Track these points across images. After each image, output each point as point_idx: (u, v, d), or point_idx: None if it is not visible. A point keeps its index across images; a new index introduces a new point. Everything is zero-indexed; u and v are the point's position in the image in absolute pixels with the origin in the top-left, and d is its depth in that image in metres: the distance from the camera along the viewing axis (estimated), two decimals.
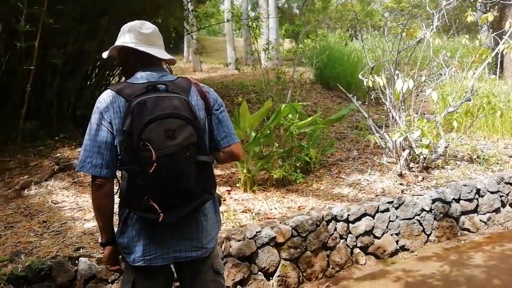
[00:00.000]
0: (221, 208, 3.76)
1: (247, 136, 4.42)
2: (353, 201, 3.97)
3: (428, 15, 5.32)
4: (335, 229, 3.48)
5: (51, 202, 3.77)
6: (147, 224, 1.58)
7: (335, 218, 3.49)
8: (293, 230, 3.24)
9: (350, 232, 3.56)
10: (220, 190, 4.30)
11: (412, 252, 3.75)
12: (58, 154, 4.89)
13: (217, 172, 4.87)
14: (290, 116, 4.45)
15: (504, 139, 6.16)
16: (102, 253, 2.83)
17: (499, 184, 4.31)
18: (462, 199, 4.10)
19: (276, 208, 3.85)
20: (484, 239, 3.95)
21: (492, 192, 4.25)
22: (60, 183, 4.16)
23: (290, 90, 5.68)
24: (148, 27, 1.72)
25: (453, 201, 4.04)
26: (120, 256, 1.75)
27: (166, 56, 1.72)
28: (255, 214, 3.68)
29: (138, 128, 1.46)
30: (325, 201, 3.99)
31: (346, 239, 3.53)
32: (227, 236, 3.03)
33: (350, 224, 3.56)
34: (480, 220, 4.19)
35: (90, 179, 1.62)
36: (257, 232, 3.07)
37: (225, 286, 1.88)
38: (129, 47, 1.67)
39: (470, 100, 4.95)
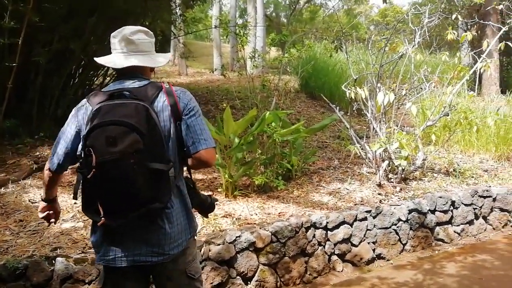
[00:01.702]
0: None
1: (230, 142, 4.45)
2: (332, 209, 4.04)
3: (411, 31, 5.48)
4: (314, 236, 3.53)
5: (28, 201, 3.72)
6: (104, 229, 1.63)
7: (314, 225, 3.54)
8: (272, 236, 3.28)
9: (328, 240, 3.61)
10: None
11: (388, 260, 3.83)
12: (37, 153, 4.83)
13: (198, 176, 4.88)
14: (273, 124, 4.50)
15: (480, 153, 6.34)
16: (79, 253, 2.83)
17: (473, 197, 4.45)
18: (438, 210, 4.21)
19: (256, 214, 3.88)
20: (457, 250, 4.06)
21: (466, 205, 4.37)
22: (38, 182, 4.11)
23: (274, 98, 5.75)
24: (124, 33, 1.75)
25: (429, 212, 4.14)
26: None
27: (127, 64, 1.71)
28: (236, 219, 3.71)
29: (86, 134, 1.54)
30: (305, 208, 4.05)
31: (324, 246, 3.59)
32: (207, 240, 3.05)
33: (328, 232, 3.62)
34: (454, 231, 4.30)
35: (50, 173, 1.79)
36: (236, 237, 3.10)
37: None
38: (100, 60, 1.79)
39: (448, 115, 5.10)
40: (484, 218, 4.53)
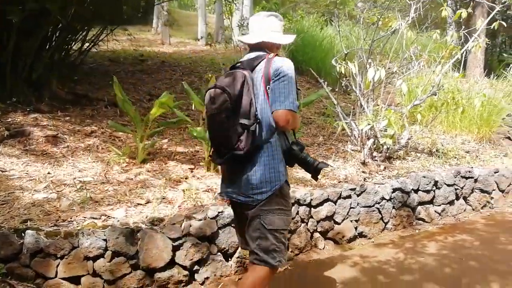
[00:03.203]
0: (183, 186, 3.70)
1: None
2: (316, 186, 3.97)
3: (402, 8, 5.33)
4: (297, 213, 3.47)
5: None
6: (223, 169, 2.19)
7: (298, 202, 3.47)
8: None
9: (311, 217, 3.56)
10: (182, 168, 4.19)
11: (369, 239, 3.82)
12: (10, 119, 4.57)
13: (180, 149, 4.74)
14: None
15: (462, 135, 6.37)
16: (51, 226, 2.70)
17: (455, 177, 4.45)
18: (421, 190, 4.20)
19: None
20: (438, 229, 4.08)
21: (448, 185, 4.38)
22: (9, 150, 3.89)
23: None
24: (253, 18, 2.23)
25: (412, 191, 4.13)
26: None
27: (252, 40, 2.16)
28: (217, 194, 3.60)
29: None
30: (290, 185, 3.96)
31: (307, 223, 3.53)
32: (188, 215, 2.95)
33: (312, 209, 3.56)
34: (435, 211, 4.32)
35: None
36: (219, 212, 3.00)
37: (272, 241, 2.04)
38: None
39: (435, 95, 5.05)
40: (465, 198, 4.56)
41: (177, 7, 24.40)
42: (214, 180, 3.92)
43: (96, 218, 2.89)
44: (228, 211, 3.04)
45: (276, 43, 2.16)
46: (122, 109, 4.62)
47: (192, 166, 4.29)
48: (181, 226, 2.83)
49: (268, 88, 1.99)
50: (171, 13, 11.11)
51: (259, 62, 2.04)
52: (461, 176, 4.49)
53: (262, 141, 1.98)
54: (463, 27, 5.36)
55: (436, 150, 5.42)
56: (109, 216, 2.95)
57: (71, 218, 2.89)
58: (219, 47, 8.93)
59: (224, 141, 1.97)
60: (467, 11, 4.58)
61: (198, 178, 4.00)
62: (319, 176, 2.18)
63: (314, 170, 2.11)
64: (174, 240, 2.73)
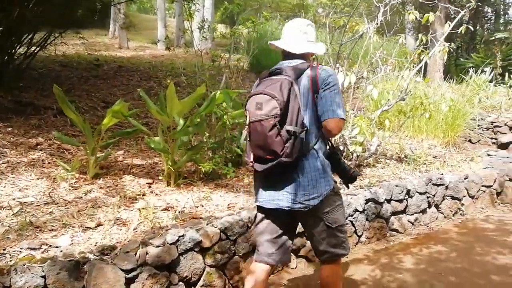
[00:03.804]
0: (139, 205, 3.32)
1: (174, 124, 3.96)
2: None
3: (368, 12, 5.19)
4: None
5: None
6: (259, 177, 2.15)
7: None
8: (221, 233, 2.88)
9: None
10: (139, 182, 3.81)
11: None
12: None
13: (137, 161, 4.35)
14: (224, 104, 4.05)
15: (428, 139, 6.34)
16: None
17: (427, 185, 4.33)
18: (393, 200, 4.04)
19: (203, 206, 3.45)
20: (412, 240, 3.93)
21: (420, 193, 4.25)
22: None
23: (224, 75, 5.26)
24: (290, 26, 2.21)
25: (385, 201, 3.96)
26: None
27: (295, 50, 2.12)
28: (178, 212, 3.25)
29: (246, 100, 2.09)
30: None
31: None
32: (144, 241, 2.58)
33: None
34: (408, 221, 4.17)
35: None
36: (179, 236, 2.66)
37: (339, 235, 2.18)
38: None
39: (404, 100, 4.94)
40: (437, 206, 4.45)
41: (136, 10, 23.72)
42: (175, 196, 3.57)
43: (34, 249, 2.47)
44: (191, 235, 2.71)
45: (315, 52, 2.23)
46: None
47: (151, 181, 3.92)
48: (136, 254, 2.46)
49: (316, 96, 2.05)
50: (128, 16, 10.61)
51: (304, 70, 2.06)
52: (433, 184, 4.37)
53: (309, 148, 2.05)
54: (427, 31, 5.31)
55: (405, 156, 5.32)
56: (50, 246, 2.54)
57: (4, 249, 2.46)
58: (179, 51, 8.56)
59: (269, 148, 1.95)
60: (434, 15, 4.50)
61: (156, 194, 3.63)
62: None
63: (350, 177, 2.22)
64: (127, 271, 2.37)
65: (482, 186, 4.78)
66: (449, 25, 4.59)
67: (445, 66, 12.26)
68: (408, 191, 4.14)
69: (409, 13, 4.46)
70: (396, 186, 4.05)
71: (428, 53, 4.69)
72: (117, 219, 3.03)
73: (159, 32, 12.41)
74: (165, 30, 10.87)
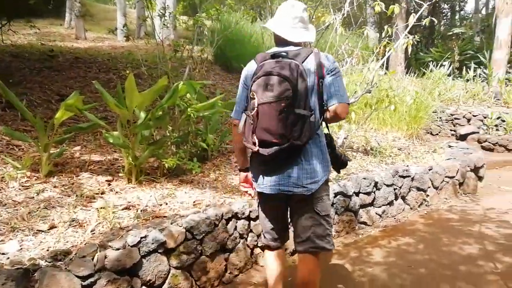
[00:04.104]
0: (98, 204, 3.10)
1: (134, 117, 3.73)
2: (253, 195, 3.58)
3: (334, 2, 5.13)
4: (235, 228, 3.05)
5: None
6: (259, 159, 2.06)
7: (235, 216, 3.06)
8: (187, 232, 2.72)
9: (251, 231, 3.17)
10: (98, 180, 3.57)
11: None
12: None
13: (95, 157, 4.10)
14: (188, 96, 3.87)
15: (392, 132, 6.41)
16: None
17: (394, 177, 4.34)
18: (362, 192, 4.01)
19: (167, 204, 3.27)
20: (380, 233, 3.92)
21: (388, 185, 4.25)
22: None
23: (188, 67, 5.05)
24: (287, 11, 2.11)
25: (354, 194, 3.92)
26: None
27: (295, 38, 2.08)
28: (141, 211, 3.05)
29: (252, 82, 1.98)
30: (224, 195, 3.53)
31: (246, 239, 3.14)
32: (102, 244, 2.38)
33: (251, 222, 3.17)
34: (376, 213, 4.17)
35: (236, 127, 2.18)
36: (142, 237, 2.48)
37: (325, 226, 2.17)
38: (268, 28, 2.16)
39: (370, 92, 4.93)
40: (403, 198, 4.47)
41: (94, 0, 22.81)
42: (137, 194, 3.36)
43: None
44: (154, 235, 2.53)
45: (311, 41, 2.20)
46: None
47: (110, 178, 3.68)
48: (93, 259, 2.26)
49: (321, 81, 2.03)
50: (85, 5, 10.08)
51: (308, 55, 2.03)
52: (399, 176, 4.39)
53: (314, 132, 2.03)
54: (378, 25, 5.33)
55: (371, 149, 5.34)
56: None
57: None
58: (140, 42, 8.21)
59: (277, 131, 1.91)
60: (400, 6, 4.49)
61: (116, 192, 3.41)
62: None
63: (342, 163, 2.21)
64: (84, 278, 2.17)
65: (446, 177, 4.86)
66: (414, 17, 4.59)
67: (406, 60, 12.56)
68: (375, 184, 4.13)
69: (376, 5, 4.42)
70: (364, 178, 4.03)
71: (393, 45, 4.68)
72: (73, 220, 2.80)
73: (119, 22, 11.91)
74: (124, 20, 10.42)
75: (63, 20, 14.19)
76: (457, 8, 17.87)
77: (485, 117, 8.78)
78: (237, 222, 3.07)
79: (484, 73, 10.41)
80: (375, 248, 3.54)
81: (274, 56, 2.02)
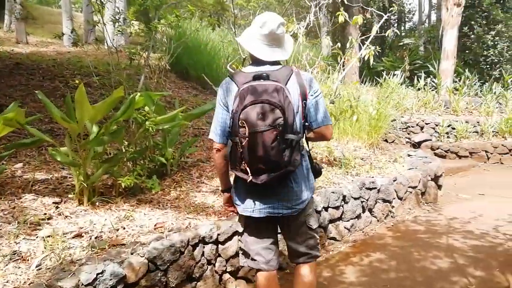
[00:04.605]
0: (44, 232, 2.72)
1: (86, 131, 3.37)
2: (220, 214, 3.34)
3: (296, 12, 5.02)
4: (203, 254, 2.79)
5: None
6: (247, 184, 1.99)
7: (203, 240, 2.80)
8: (149, 263, 2.43)
9: (219, 255, 2.92)
10: (44, 202, 3.18)
11: (284, 270, 3.33)
12: None
13: (40, 176, 3.68)
14: (146, 108, 3.56)
15: (353, 141, 6.39)
16: None
17: (361, 189, 4.26)
18: (331, 207, 3.88)
19: (124, 228, 2.94)
20: (350, 249, 3.80)
21: (355, 198, 4.16)
22: None
23: (143, 76, 4.72)
24: (269, 26, 2.01)
25: (323, 209, 3.78)
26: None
27: (272, 58, 2.04)
28: (95, 239, 2.71)
29: (239, 109, 1.91)
30: (187, 215, 3.26)
31: (214, 265, 2.88)
32: (50, 284, 2.04)
33: (219, 246, 2.92)
34: (345, 227, 4.05)
35: (221, 152, 2.15)
36: (98, 274, 2.16)
37: (316, 236, 2.30)
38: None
39: (333, 103, 4.86)
40: (370, 210, 4.40)
41: (36, 2, 21.55)
42: (90, 218, 3.01)
43: None
44: (112, 270, 2.22)
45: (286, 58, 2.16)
46: None
47: (58, 199, 3.29)
48: None
49: (304, 103, 2.04)
50: (26, 7, 9.35)
51: (289, 76, 2.01)
52: (366, 188, 4.31)
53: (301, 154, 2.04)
54: (341, 35, 5.31)
55: (334, 159, 5.25)
56: None
57: None
58: (89, 48, 7.71)
59: (270, 159, 1.90)
60: (363, 17, 4.46)
61: (66, 216, 3.03)
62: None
63: (318, 172, 2.22)
64: None
65: (409, 187, 4.87)
66: (376, 27, 4.58)
67: (360, 69, 12.84)
68: (344, 197, 4.02)
69: (340, 15, 4.35)
70: (333, 192, 3.90)
71: (357, 56, 4.63)
72: (14, 253, 2.43)
73: (65, 26, 11.20)
74: (71, 24, 9.78)
75: (2, 22, 13.20)
76: (406, 19, 18.69)
77: (436, 125, 9.09)
78: (204, 247, 2.80)
79: (434, 82, 10.82)
80: (348, 266, 3.41)
81: (255, 77, 1.95)
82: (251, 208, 2.10)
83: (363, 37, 4.93)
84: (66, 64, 7.55)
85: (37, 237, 2.65)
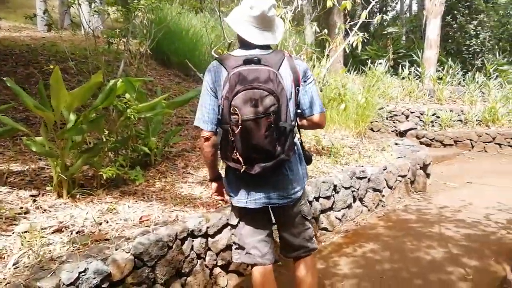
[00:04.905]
0: (21, 228, 2.53)
1: (63, 119, 3.15)
2: (208, 205, 3.19)
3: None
4: (192, 248, 2.64)
5: None
6: (241, 176, 1.91)
7: (191, 234, 2.65)
8: (136, 259, 2.27)
9: (209, 249, 2.78)
10: (20, 195, 2.97)
11: (277, 262, 3.20)
12: None
13: (15, 167, 3.44)
14: (127, 95, 3.35)
15: (340, 130, 6.31)
16: None
17: (351, 179, 4.17)
18: (322, 197, 3.78)
19: (107, 222, 2.76)
20: (342, 239, 3.71)
21: (346, 188, 4.07)
22: None
23: (123, 61, 4.47)
24: (260, 8, 1.86)
25: (314, 199, 3.67)
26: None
27: (263, 42, 1.91)
28: (76, 234, 2.53)
29: (231, 95, 1.78)
30: (174, 207, 3.10)
31: (204, 259, 2.74)
32: (28, 284, 1.86)
33: (209, 239, 2.78)
34: (336, 217, 3.96)
35: (210, 140, 2.00)
36: (80, 272, 1.98)
37: (311, 227, 2.22)
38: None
39: (321, 91, 4.73)
40: (361, 200, 4.32)
41: None
42: (70, 212, 2.82)
43: None
44: (95, 267, 2.05)
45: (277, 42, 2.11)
46: None
47: (36, 192, 3.09)
48: None
49: (297, 89, 1.94)
50: None
51: (281, 61, 1.90)
52: (357, 177, 4.23)
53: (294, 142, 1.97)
54: (325, 23, 5.18)
55: (322, 148, 5.15)
56: None
57: None
58: (65, 33, 7.35)
59: (263, 148, 1.81)
60: (352, 2, 4.32)
61: (44, 210, 2.83)
62: None
63: (309, 159, 2.13)
64: None
65: (399, 176, 4.82)
66: (366, 14, 4.45)
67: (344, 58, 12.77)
68: (335, 187, 3.92)
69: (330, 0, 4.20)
70: (324, 182, 3.79)
71: (345, 43, 4.51)
72: None
73: (38, 8, 10.70)
74: (45, 6, 9.33)
75: None
76: (389, 8, 18.70)
77: (421, 114, 9.11)
78: (193, 241, 2.65)
79: (418, 71, 10.84)
80: (342, 257, 3.31)
81: (246, 61, 1.84)
82: (245, 199, 2.01)
83: (351, 23, 4.79)
84: (41, 50, 7.18)
85: (13, 233, 2.46)
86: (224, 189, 2.18)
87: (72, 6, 3.65)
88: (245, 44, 1.94)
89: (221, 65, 1.90)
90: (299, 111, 2.00)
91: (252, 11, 1.88)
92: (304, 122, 2.04)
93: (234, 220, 2.15)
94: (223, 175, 2.17)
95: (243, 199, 2.02)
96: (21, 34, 9.44)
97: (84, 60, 5.70)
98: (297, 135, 2.09)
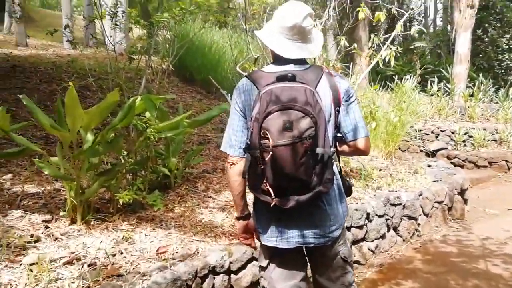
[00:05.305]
0: (29, 259, 2.34)
1: (80, 139, 2.98)
2: (230, 235, 2.93)
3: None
4: (213, 287, 2.38)
5: None
6: (272, 209, 1.66)
7: (213, 271, 2.39)
8: None
9: (232, 287, 2.51)
10: (32, 220, 2.81)
11: None
12: None
13: (30, 189, 3.29)
14: (148, 114, 3.17)
15: None
16: None
17: (385, 206, 3.84)
18: (354, 226, 3.47)
19: (122, 253, 2.54)
20: (377, 275, 3.38)
21: (379, 216, 3.74)
22: None
23: (144, 78, 4.32)
24: (293, 17, 1.66)
25: (346, 229, 3.36)
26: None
27: (298, 55, 1.70)
28: (87, 267, 2.32)
29: (261, 116, 1.56)
30: (193, 236, 2.86)
31: None
32: None
33: (232, 275, 2.51)
34: (369, 249, 3.64)
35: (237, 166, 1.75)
36: None
37: (352, 272, 1.93)
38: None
39: None
40: (395, 229, 3.98)
41: (39, 5, 21.37)
42: (83, 240, 2.62)
43: None
44: None
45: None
46: None
47: (49, 217, 2.92)
48: None
49: (337, 110, 1.72)
50: (25, 8, 9.02)
51: (319, 77, 1.68)
52: (391, 204, 3.90)
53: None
54: (349, 37, 4.92)
55: (351, 170, 4.84)
56: None
57: None
58: (89, 51, 7.36)
59: (301, 177, 1.58)
60: (385, 14, 4.07)
61: (56, 238, 2.65)
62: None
63: (349, 189, 1.86)
64: None
65: (435, 202, 4.45)
66: (400, 24, 4.19)
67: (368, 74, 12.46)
68: (368, 215, 3.60)
69: (360, 11, 3.96)
70: (356, 210, 3.49)
71: (378, 56, 4.24)
72: None
73: (64, 22, 10.88)
74: (71, 23, 9.45)
75: (2, 25, 12.90)
76: (415, 23, 18.33)
77: (452, 133, 8.66)
78: (214, 278, 2.40)
79: (447, 87, 10.40)
80: None
81: (279, 78, 1.62)
82: (276, 237, 1.76)
83: (385, 35, 4.53)
84: (65, 67, 7.17)
85: (21, 265, 2.28)
86: (253, 232, 1.91)
87: (94, 22, 3.53)
88: (278, 59, 1.74)
89: (251, 82, 1.71)
90: (339, 135, 1.77)
91: (285, 21, 1.67)
92: (345, 148, 1.79)
93: (263, 262, 1.88)
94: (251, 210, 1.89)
95: (273, 237, 1.76)
96: (47, 51, 9.57)
97: (106, 77, 5.61)
98: (336, 163, 1.82)
